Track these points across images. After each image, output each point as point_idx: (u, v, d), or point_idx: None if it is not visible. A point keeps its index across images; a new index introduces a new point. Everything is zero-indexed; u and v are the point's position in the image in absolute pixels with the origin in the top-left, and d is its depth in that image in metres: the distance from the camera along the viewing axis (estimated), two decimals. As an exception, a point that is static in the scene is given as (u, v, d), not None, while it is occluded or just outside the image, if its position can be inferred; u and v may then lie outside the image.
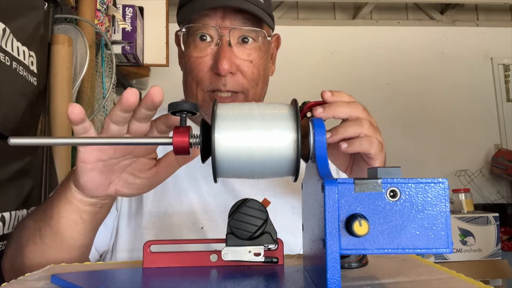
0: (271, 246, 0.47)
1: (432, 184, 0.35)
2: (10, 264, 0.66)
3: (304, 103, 0.57)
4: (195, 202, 0.77)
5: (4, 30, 0.87)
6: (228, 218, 0.46)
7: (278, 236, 0.47)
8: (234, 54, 0.74)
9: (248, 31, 0.75)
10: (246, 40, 0.75)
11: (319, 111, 0.54)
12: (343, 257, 0.43)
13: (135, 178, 0.53)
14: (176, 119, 0.48)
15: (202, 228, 0.75)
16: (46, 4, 1.13)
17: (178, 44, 0.83)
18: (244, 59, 0.75)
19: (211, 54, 0.74)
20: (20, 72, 0.94)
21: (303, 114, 0.57)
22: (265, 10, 0.76)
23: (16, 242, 0.65)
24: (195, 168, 0.78)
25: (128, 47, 1.76)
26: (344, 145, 0.55)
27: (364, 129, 0.55)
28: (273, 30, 0.82)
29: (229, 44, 0.73)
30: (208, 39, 0.75)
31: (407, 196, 0.35)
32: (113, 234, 0.77)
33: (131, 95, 0.44)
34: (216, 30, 0.73)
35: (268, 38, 0.79)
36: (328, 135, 0.55)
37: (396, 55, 2.90)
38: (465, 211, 2.14)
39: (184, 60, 0.80)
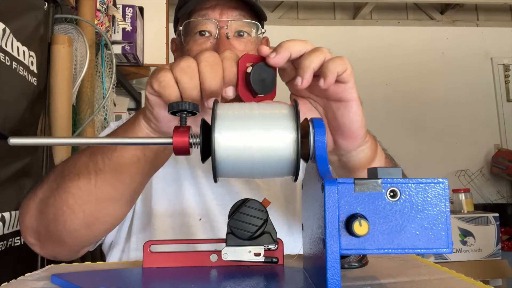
0: (271, 246, 0.47)
1: (432, 184, 0.35)
2: (40, 201, 0.62)
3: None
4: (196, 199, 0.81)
5: (4, 30, 0.87)
6: (228, 218, 0.46)
7: (278, 236, 0.47)
8: (232, 46, 0.78)
9: (244, 24, 0.80)
10: (242, 34, 0.80)
11: (272, 56, 0.46)
12: (343, 257, 0.43)
13: None
14: None
15: (200, 219, 0.79)
16: (46, 4, 1.13)
17: (174, 50, 0.87)
18: (241, 51, 0.79)
19: (210, 47, 0.78)
20: (20, 72, 0.94)
21: (243, 71, 0.48)
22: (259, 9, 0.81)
23: (55, 179, 0.60)
24: (195, 165, 0.83)
25: (128, 47, 1.76)
26: (321, 82, 0.46)
27: (327, 55, 0.47)
28: (263, 27, 0.87)
29: (227, 37, 0.77)
30: (207, 34, 0.79)
31: (407, 196, 0.35)
32: (121, 225, 0.80)
33: None
34: (214, 24, 0.78)
35: (263, 30, 0.84)
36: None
37: (396, 55, 2.90)
38: (465, 211, 2.14)
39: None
